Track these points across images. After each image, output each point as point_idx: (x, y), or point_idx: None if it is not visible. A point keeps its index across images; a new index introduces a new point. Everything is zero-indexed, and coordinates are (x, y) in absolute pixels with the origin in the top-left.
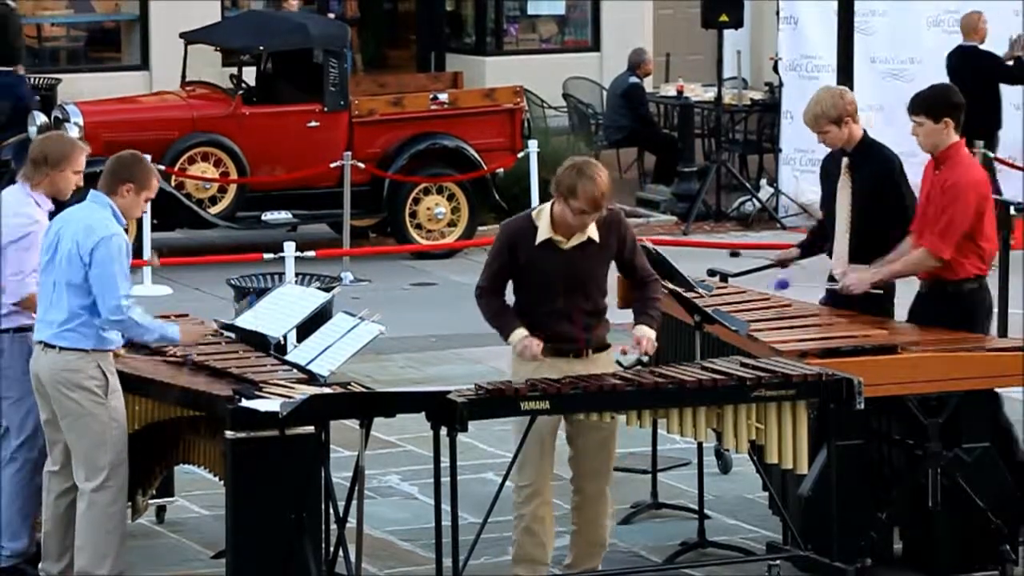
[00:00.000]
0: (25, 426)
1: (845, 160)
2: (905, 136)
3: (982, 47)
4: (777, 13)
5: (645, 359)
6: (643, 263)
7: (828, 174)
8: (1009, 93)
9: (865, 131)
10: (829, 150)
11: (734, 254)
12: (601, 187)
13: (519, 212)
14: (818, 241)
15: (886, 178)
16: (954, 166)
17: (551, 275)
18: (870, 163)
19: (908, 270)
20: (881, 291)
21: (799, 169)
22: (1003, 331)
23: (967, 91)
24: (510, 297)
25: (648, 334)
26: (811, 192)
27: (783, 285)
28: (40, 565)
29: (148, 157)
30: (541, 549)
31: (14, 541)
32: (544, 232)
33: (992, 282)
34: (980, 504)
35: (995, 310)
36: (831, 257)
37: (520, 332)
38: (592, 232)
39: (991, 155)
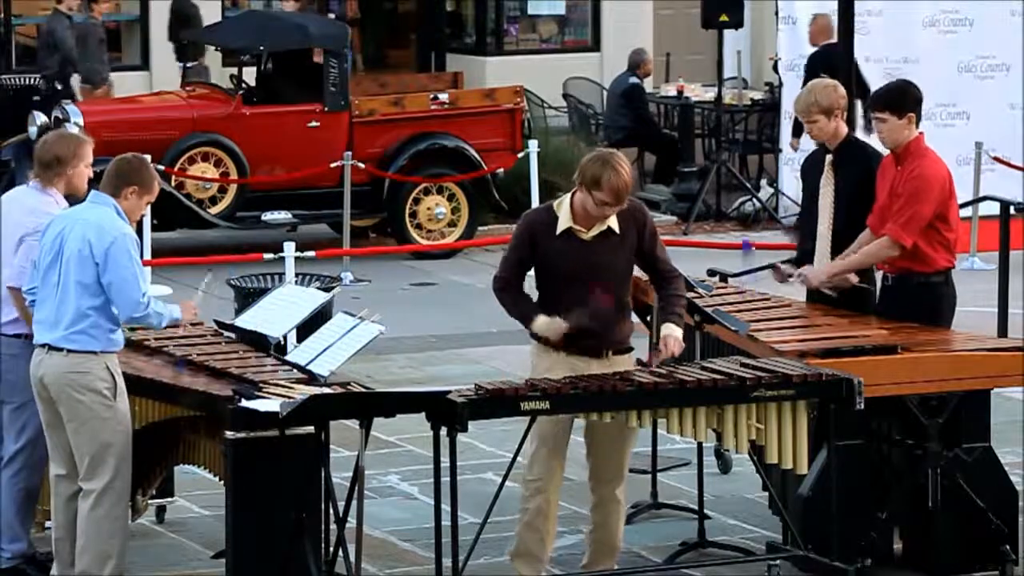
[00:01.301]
0: (26, 430)
1: (829, 157)
2: None
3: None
4: (776, 13)
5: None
6: (665, 256)
7: (808, 173)
8: (1006, 93)
9: (850, 130)
10: (810, 150)
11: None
12: (625, 179)
13: (519, 212)
14: (808, 246)
15: (868, 177)
16: (918, 159)
17: (572, 266)
18: (853, 161)
19: (868, 260)
20: (834, 293)
21: (797, 169)
22: (1003, 331)
23: None
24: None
25: (676, 333)
26: None
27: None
28: (52, 571)
29: (147, 157)
30: (540, 545)
31: (14, 543)
32: (564, 222)
33: (992, 282)
34: (980, 504)
35: (995, 309)
36: (813, 255)
37: (542, 318)
38: (612, 223)
39: (991, 154)
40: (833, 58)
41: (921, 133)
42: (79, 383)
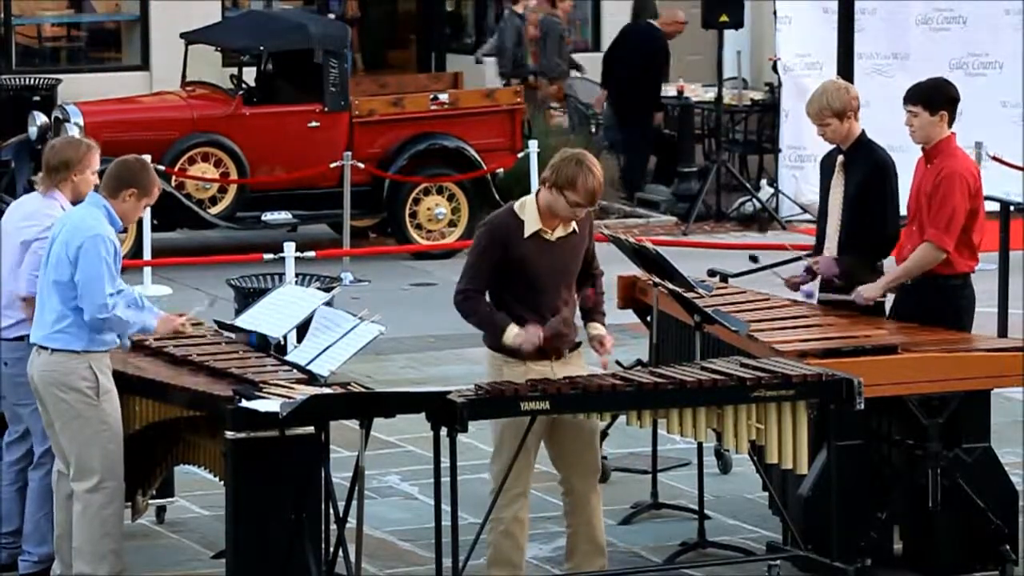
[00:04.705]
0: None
1: (840, 158)
2: (889, 132)
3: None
4: (774, 13)
5: (607, 357)
6: (595, 253)
7: (823, 173)
8: (998, 91)
9: (863, 131)
10: (828, 150)
11: (753, 258)
12: (600, 179)
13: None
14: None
15: (874, 179)
16: (947, 158)
17: (541, 269)
18: (863, 162)
19: (916, 267)
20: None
21: (788, 165)
22: (1003, 331)
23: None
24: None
25: (606, 333)
26: (811, 192)
27: (809, 295)
28: (52, 570)
29: (148, 159)
30: (518, 552)
31: (41, 546)
32: (533, 224)
33: (992, 282)
34: (980, 504)
35: (995, 309)
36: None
37: (513, 328)
38: (573, 223)
39: (991, 154)
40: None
41: (952, 133)
42: (61, 382)
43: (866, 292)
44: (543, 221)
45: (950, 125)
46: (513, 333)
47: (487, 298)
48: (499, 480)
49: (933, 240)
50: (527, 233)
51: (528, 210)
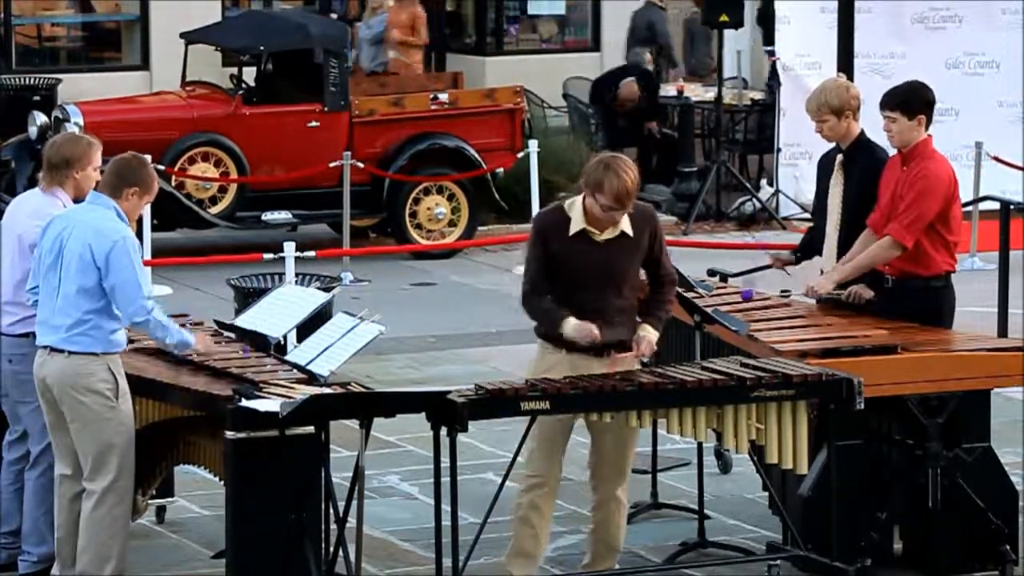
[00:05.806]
0: (47, 431)
1: (839, 157)
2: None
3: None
4: (772, 13)
5: (644, 359)
6: (668, 263)
7: (821, 172)
8: (995, 90)
9: (862, 130)
10: (826, 150)
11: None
12: (627, 183)
13: (519, 212)
14: (815, 243)
15: (874, 179)
16: (925, 160)
17: (584, 267)
18: (862, 162)
19: (870, 262)
20: (840, 294)
21: (785, 163)
22: (1003, 331)
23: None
24: None
25: (651, 336)
26: (811, 192)
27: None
28: (53, 571)
29: (148, 158)
30: (535, 542)
31: (40, 546)
32: (578, 223)
33: (992, 282)
34: (980, 504)
35: (995, 309)
36: (822, 255)
37: (572, 320)
38: (625, 226)
39: (991, 154)
40: None
41: (929, 136)
42: (81, 384)
43: (818, 286)
44: (591, 222)
45: (927, 128)
46: (572, 324)
47: (547, 295)
48: (522, 468)
49: (894, 235)
50: (572, 231)
51: (576, 209)
